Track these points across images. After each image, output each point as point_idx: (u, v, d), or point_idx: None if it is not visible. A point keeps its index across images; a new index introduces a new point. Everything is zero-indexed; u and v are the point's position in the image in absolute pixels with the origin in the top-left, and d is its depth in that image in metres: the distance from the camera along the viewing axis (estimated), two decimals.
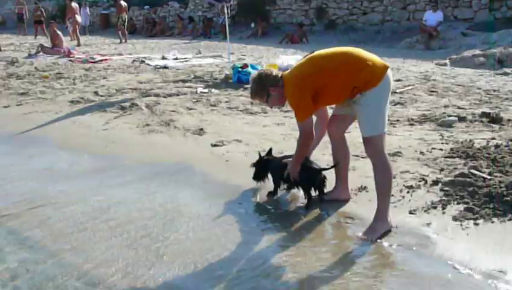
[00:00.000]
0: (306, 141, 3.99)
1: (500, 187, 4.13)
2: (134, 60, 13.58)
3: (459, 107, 7.23)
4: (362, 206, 4.14)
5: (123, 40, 20.82)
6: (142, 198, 4.51)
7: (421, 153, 5.23)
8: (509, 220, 3.78)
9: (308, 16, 22.15)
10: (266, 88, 3.98)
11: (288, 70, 4.09)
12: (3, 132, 6.98)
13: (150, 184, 4.84)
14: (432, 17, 16.63)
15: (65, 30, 20.79)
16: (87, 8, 27.04)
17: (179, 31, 24.97)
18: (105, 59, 14.13)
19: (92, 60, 13.83)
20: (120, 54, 15.71)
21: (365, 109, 3.73)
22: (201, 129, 6.50)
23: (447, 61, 12.70)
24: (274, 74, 4.03)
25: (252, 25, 22.80)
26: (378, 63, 3.75)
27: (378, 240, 3.64)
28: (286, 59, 10.37)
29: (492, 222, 3.78)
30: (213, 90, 8.98)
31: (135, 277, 3.26)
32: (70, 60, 14.19)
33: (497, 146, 5.25)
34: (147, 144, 6.13)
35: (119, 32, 21.01)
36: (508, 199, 3.97)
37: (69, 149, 6.05)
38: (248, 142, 5.90)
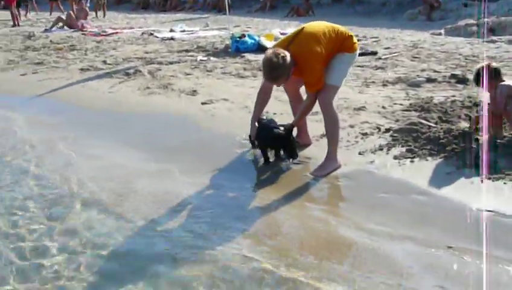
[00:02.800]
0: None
1: (440, 132, 4.81)
2: (143, 33, 14.29)
3: (434, 71, 7.82)
4: (321, 150, 4.83)
5: None
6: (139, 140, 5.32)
7: (383, 107, 5.90)
8: (440, 158, 4.46)
9: None
10: (289, 70, 4.20)
11: (292, 45, 4.30)
12: (22, 95, 7.80)
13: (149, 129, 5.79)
14: None
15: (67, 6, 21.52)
16: None
17: (190, 6, 25.53)
18: (117, 32, 14.86)
19: (104, 34, 14.57)
20: (131, 28, 16.43)
21: (339, 64, 4.41)
22: (195, 91, 7.24)
23: (442, 31, 13.19)
24: (287, 54, 4.15)
25: None
26: (353, 36, 4.55)
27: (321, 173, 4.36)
28: (277, 30, 11.02)
29: (426, 160, 4.47)
30: (212, 58, 9.68)
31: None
32: (83, 34, 14.95)
33: (453, 101, 5.89)
34: (145, 103, 6.91)
35: None
36: (443, 141, 4.65)
37: (78, 107, 6.92)
38: (234, 101, 6.63)
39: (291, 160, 4.60)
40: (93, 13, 21.22)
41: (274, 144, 4.63)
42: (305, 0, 20.77)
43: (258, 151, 4.78)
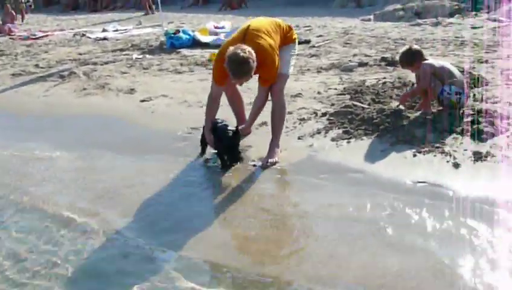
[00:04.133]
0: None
1: (373, 113, 5.03)
2: (75, 34, 14.01)
3: (366, 55, 8.10)
4: (260, 138, 4.95)
5: None
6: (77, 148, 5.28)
7: (319, 93, 6.10)
8: (375, 137, 4.67)
9: None
10: (255, 64, 4.12)
11: (246, 42, 4.25)
12: None
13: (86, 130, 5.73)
14: None
15: None
16: None
17: (122, 4, 25.13)
18: (47, 35, 14.49)
19: (34, 37, 14.17)
20: (62, 30, 16.04)
21: (286, 54, 4.62)
22: (133, 89, 7.22)
23: (371, 16, 13.61)
24: (251, 49, 4.12)
25: None
26: (292, 27, 4.84)
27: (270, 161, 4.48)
28: (212, 24, 11.12)
29: (362, 140, 4.67)
30: (147, 56, 9.64)
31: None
32: (11, 38, 14.49)
33: (384, 83, 6.14)
34: (82, 105, 6.84)
35: None
36: (377, 121, 4.87)
37: (11, 112, 6.77)
38: (172, 96, 6.66)
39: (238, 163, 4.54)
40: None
41: (234, 148, 4.53)
42: None
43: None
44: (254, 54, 4.08)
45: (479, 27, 10.20)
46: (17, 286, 3.01)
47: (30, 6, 24.16)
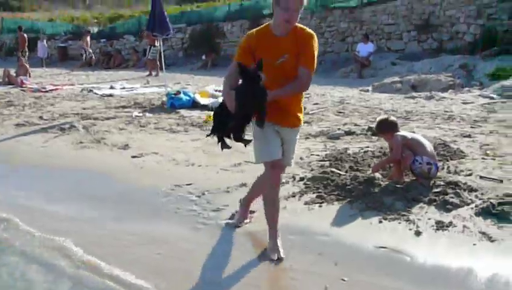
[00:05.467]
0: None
1: (347, 180, 5.26)
2: (82, 90, 14.53)
3: (355, 124, 8.41)
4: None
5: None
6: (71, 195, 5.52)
7: (301, 158, 6.34)
8: (346, 202, 4.88)
9: None
10: None
11: None
12: None
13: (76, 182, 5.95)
14: (363, 49, 18.06)
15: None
16: (45, 41, 27.85)
17: (134, 63, 25.98)
18: (56, 88, 15.03)
19: (44, 90, 14.71)
20: (72, 84, 16.63)
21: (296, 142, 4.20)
22: (127, 145, 7.52)
23: (370, 87, 14.04)
24: None
25: (203, 57, 23.95)
26: None
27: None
28: (212, 87, 11.58)
29: (333, 205, 4.88)
30: (147, 114, 10.02)
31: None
32: (22, 90, 15.04)
33: (365, 152, 6.40)
34: (77, 157, 7.12)
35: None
36: (350, 187, 5.10)
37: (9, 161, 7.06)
38: (163, 154, 6.94)
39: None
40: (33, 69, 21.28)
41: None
42: None
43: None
44: None
45: (469, 102, 10.55)
46: None
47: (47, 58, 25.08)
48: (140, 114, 9.99)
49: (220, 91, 11.25)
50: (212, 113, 9.34)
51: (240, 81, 3.63)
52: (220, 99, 10.40)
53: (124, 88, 14.89)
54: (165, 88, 12.60)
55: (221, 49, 24.81)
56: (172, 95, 10.67)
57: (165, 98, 11.16)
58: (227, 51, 24.57)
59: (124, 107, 11.07)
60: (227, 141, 4.07)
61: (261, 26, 3.88)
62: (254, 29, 3.87)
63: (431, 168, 5.14)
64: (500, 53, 14.40)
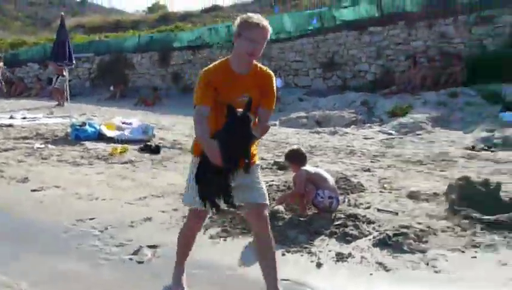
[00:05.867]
0: None
1: None
2: None
3: (262, 159, 8.55)
4: None
5: None
6: None
7: None
8: (251, 236, 4.93)
9: (165, 80, 23.53)
10: None
11: None
12: None
13: None
14: None
15: None
16: None
17: (37, 92, 25.06)
18: None
19: None
20: None
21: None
22: (26, 178, 7.20)
23: (277, 122, 14.40)
24: None
25: (111, 87, 23.56)
26: None
27: None
28: (119, 119, 11.41)
29: (238, 238, 4.93)
30: (50, 145, 9.67)
31: None
32: None
33: (270, 185, 6.52)
34: None
35: None
36: None
37: None
38: (65, 187, 6.71)
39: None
40: None
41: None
42: (153, 90, 21.46)
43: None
44: None
45: (370, 138, 11.09)
46: None
47: None
48: (43, 145, 9.62)
49: (128, 123, 11.13)
50: (118, 145, 9.26)
51: (221, 126, 3.33)
52: (126, 132, 10.38)
53: (25, 118, 14.29)
54: (69, 119, 12.24)
55: (129, 80, 24.58)
56: (77, 127, 10.39)
57: (69, 130, 10.84)
58: (136, 82, 24.43)
59: (24, 138, 10.62)
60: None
61: (218, 61, 3.56)
62: (211, 65, 3.54)
63: (332, 202, 5.35)
64: (398, 92, 15.31)
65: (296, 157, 5.60)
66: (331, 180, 5.54)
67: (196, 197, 3.54)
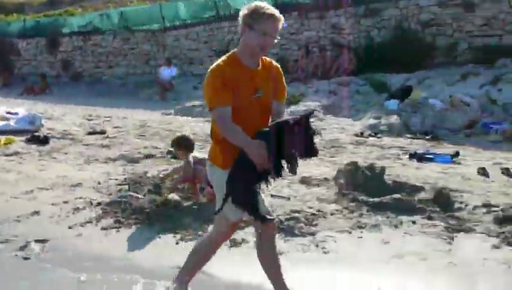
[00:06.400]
0: None
1: (145, 203, 5.26)
2: None
3: (156, 148, 8.46)
4: None
5: None
6: None
7: (99, 183, 6.21)
8: (145, 225, 4.89)
9: (54, 68, 22.49)
10: None
11: None
12: None
13: None
14: (166, 72, 18.30)
15: None
16: None
17: None
18: None
19: None
20: None
21: None
22: None
23: (172, 110, 14.27)
24: None
25: None
26: None
27: None
28: (3, 109, 10.81)
29: (131, 228, 4.87)
30: None
31: None
32: None
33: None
34: None
35: None
36: (148, 210, 5.12)
37: None
38: None
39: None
40: None
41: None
42: (41, 78, 20.40)
43: None
44: None
45: None
46: None
47: None
48: None
49: (13, 113, 10.55)
50: (2, 137, 8.74)
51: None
52: (12, 122, 9.81)
53: None
54: None
55: (15, 67, 23.20)
56: None
57: None
58: (22, 69, 23.14)
59: None
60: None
61: (227, 56, 3.28)
62: (221, 62, 3.23)
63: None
64: (291, 80, 15.68)
65: (182, 144, 5.59)
66: None
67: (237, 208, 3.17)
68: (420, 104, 10.90)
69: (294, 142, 3.08)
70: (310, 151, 3.22)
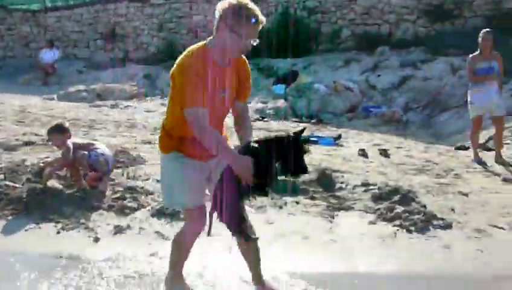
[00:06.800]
0: None
1: (23, 192, 4.98)
2: None
3: (36, 134, 7.99)
4: None
5: None
6: None
7: None
8: (23, 215, 4.65)
9: None
10: None
11: None
12: None
13: None
14: (48, 55, 17.33)
15: None
16: None
17: None
18: None
19: None
20: None
21: None
22: None
23: (55, 96, 13.63)
24: None
25: None
26: None
27: None
28: None
29: (8, 220, 4.63)
30: None
31: None
32: None
33: (44, 162, 6.14)
34: None
35: None
36: (26, 200, 4.85)
37: None
38: None
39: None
40: None
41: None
42: None
43: None
44: None
45: (152, 111, 11.14)
46: None
47: None
48: None
49: None
50: None
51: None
52: None
53: None
54: None
55: None
56: None
57: None
58: None
59: None
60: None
61: (195, 48, 3.02)
62: (188, 52, 3.00)
63: (107, 159, 5.28)
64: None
65: (58, 130, 5.35)
66: (103, 147, 5.46)
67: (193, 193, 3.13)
68: (306, 89, 11.29)
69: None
70: (299, 168, 3.12)
